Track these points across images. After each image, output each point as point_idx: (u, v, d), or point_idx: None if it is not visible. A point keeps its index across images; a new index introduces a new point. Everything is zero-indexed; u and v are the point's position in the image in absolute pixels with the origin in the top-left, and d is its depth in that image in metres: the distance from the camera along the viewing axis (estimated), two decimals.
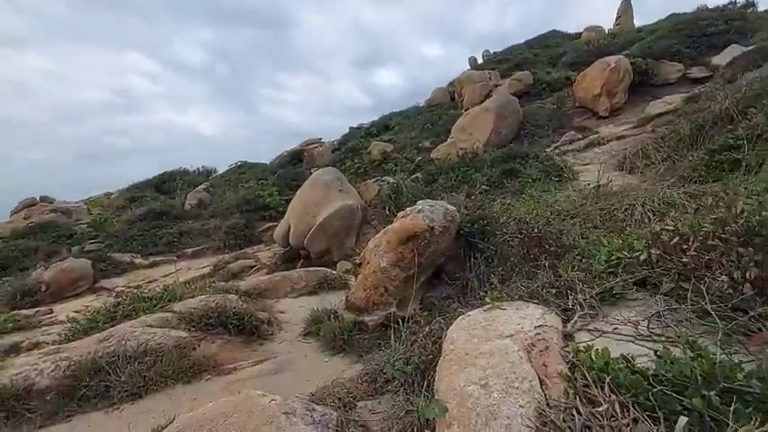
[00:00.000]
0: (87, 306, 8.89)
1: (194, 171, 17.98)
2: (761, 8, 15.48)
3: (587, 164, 8.43)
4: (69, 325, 4.83)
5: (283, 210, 12.90)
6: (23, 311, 8.71)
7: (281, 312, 5.01)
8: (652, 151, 7.86)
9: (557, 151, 9.59)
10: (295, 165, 15.67)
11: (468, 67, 21.09)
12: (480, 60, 20.86)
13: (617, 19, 17.51)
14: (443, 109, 16.27)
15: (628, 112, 10.92)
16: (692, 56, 12.75)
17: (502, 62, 18.14)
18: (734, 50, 11.52)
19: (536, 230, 4.17)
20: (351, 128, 20.24)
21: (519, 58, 17.79)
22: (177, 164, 17.95)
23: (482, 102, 14.74)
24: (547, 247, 3.86)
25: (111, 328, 3.83)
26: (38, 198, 22.13)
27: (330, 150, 16.61)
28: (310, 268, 5.96)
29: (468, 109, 14.65)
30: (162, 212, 13.26)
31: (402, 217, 4.27)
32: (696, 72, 11.99)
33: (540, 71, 15.24)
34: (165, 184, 16.79)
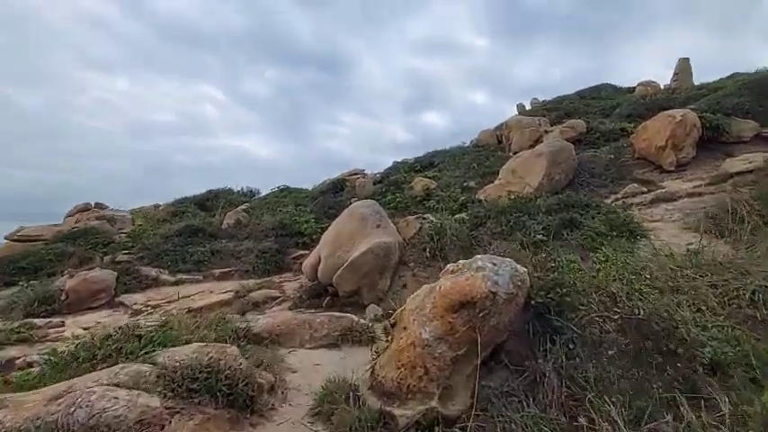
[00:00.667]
0: (99, 323, 8.22)
1: (238, 191, 17.74)
2: None
3: (656, 220, 7.05)
4: (47, 357, 4.00)
5: (318, 238, 12.11)
6: (36, 320, 8.14)
7: (292, 371, 3.95)
8: (743, 213, 6.42)
9: (618, 203, 8.24)
10: (336, 193, 15.00)
11: (516, 113, 20.19)
12: (528, 107, 19.91)
13: (675, 75, 16.16)
14: (490, 150, 15.26)
15: (696, 168, 9.45)
16: (765, 114, 11.21)
17: (551, 110, 17.08)
18: None
19: (639, 311, 2.94)
20: (395, 162, 19.52)
21: (569, 107, 16.68)
22: (233, 181, 17.69)
23: (531, 146, 13.64)
24: (664, 341, 2.62)
25: (71, 382, 2.91)
26: (92, 204, 22.71)
27: (372, 182, 15.86)
28: (335, 313, 4.91)
29: (516, 153, 13.58)
30: (198, 229, 12.78)
31: (453, 272, 3.16)
32: None
33: (593, 121, 14.02)
34: (209, 201, 16.56)
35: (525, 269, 2.99)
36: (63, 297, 8.89)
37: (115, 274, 9.80)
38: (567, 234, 6.03)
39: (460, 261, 3.12)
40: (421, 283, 6.47)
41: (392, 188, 13.96)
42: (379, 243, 5.94)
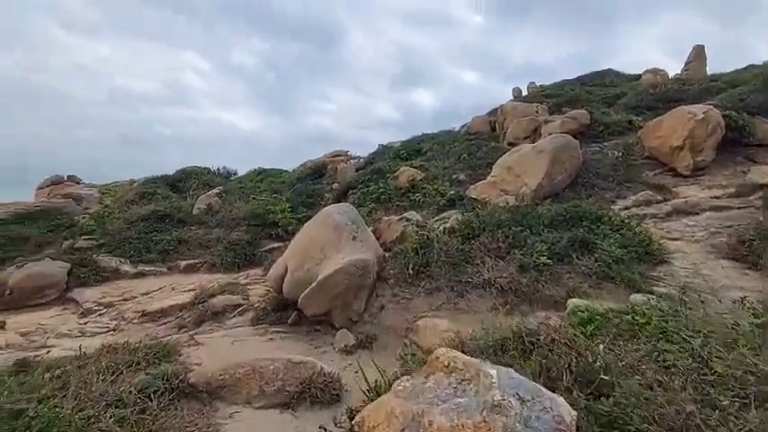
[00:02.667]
0: (41, 325, 7.16)
1: (214, 171, 16.37)
2: None
3: (676, 239, 6.15)
4: None
5: (293, 230, 11.06)
6: None
7: None
8: None
9: (629, 212, 7.32)
10: (315, 180, 13.81)
11: (512, 98, 18.92)
12: (525, 92, 18.65)
13: (687, 64, 15.07)
14: (482, 139, 14.13)
15: (715, 173, 8.54)
16: None
17: (550, 96, 15.91)
18: None
19: None
20: (380, 145, 18.31)
21: (570, 94, 15.52)
22: (217, 156, 16.32)
23: (528, 138, 12.57)
24: None
25: None
26: (65, 177, 21.03)
27: (354, 168, 14.69)
28: (294, 358, 3.92)
29: (511, 144, 12.50)
30: (166, 215, 11.58)
31: (461, 383, 2.09)
32: None
33: (596, 111, 12.93)
34: (181, 182, 15.21)
35: (573, 414, 1.90)
36: (7, 292, 7.75)
37: (67, 266, 8.66)
38: (577, 257, 5.08)
39: (451, 355, 2.08)
40: (402, 307, 5.53)
41: (375, 177, 12.83)
42: (355, 261, 4.91)
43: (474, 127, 15.56)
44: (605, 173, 9.09)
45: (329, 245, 5.35)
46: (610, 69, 18.62)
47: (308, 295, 5.00)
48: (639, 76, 17.18)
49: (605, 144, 11.26)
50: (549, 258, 5.10)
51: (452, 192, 10.61)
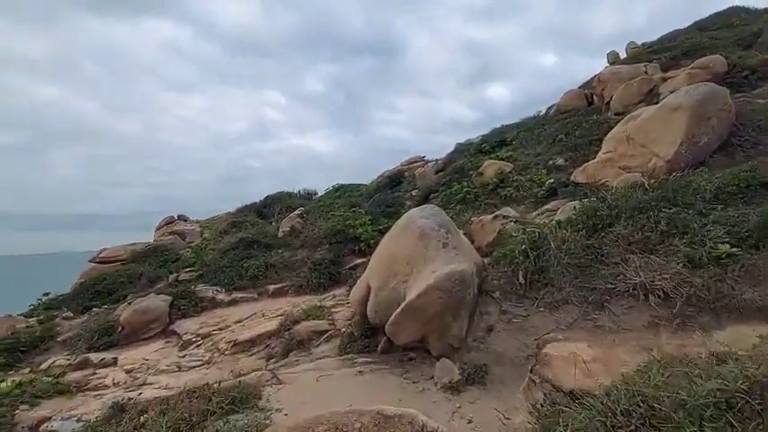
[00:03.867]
0: (146, 360, 7.38)
1: (296, 194, 16.73)
2: None
3: None
4: None
5: (376, 243, 10.39)
6: (92, 355, 7.54)
7: None
8: None
9: None
10: (393, 188, 13.10)
11: (607, 64, 16.28)
12: (624, 55, 15.89)
13: None
14: (579, 115, 12.08)
15: None
16: None
17: (659, 52, 13.14)
18: None
19: None
20: (457, 144, 17.07)
21: (688, 44, 12.59)
22: (299, 180, 16.84)
23: (641, 102, 10.31)
24: None
25: None
26: (176, 216, 23.64)
27: (433, 171, 13.68)
28: (386, 410, 3.01)
29: (620, 114, 10.36)
30: (254, 241, 11.82)
31: None
32: None
33: (732, 55, 10.14)
34: (267, 208, 15.74)
35: None
36: (119, 329, 8.26)
37: (169, 299, 9.04)
38: None
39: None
40: (516, 327, 4.32)
41: (457, 176, 11.65)
42: (450, 274, 3.89)
43: (566, 104, 13.52)
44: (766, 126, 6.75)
45: (416, 256, 4.41)
46: (735, 6, 14.94)
47: (395, 321, 4.09)
48: None
49: (755, 92, 8.63)
50: (733, 246, 3.48)
51: (551, 180, 9.01)
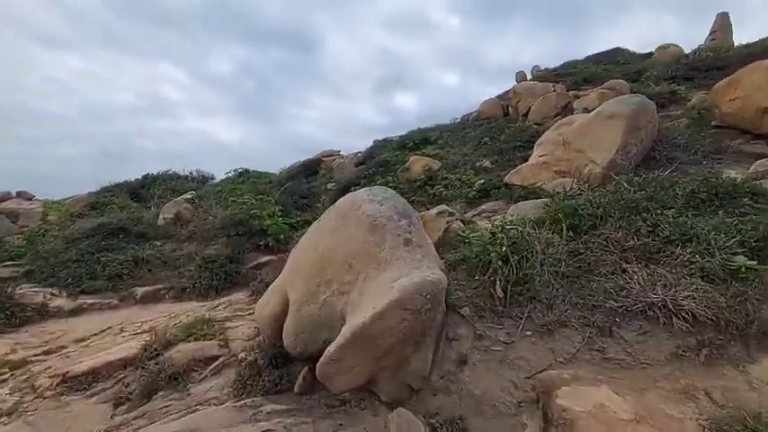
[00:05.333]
0: None
1: (185, 176, 13.64)
2: None
3: None
4: None
5: (286, 240, 8.60)
6: None
7: None
8: None
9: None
10: (308, 177, 11.36)
11: (515, 83, 17.02)
12: (530, 76, 16.76)
13: (711, 34, 13.47)
14: (498, 123, 12.02)
15: None
16: None
17: (564, 75, 14.02)
18: None
19: None
20: (375, 141, 16.05)
21: (587, 72, 13.65)
22: (198, 167, 13.52)
23: (558, 115, 10.51)
24: None
25: None
26: (14, 193, 18.06)
27: (353, 163, 12.33)
28: None
29: (539, 123, 10.42)
30: (119, 228, 8.90)
31: None
32: None
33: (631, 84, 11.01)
34: (146, 189, 12.46)
35: None
36: None
37: None
38: None
39: None
40: (498, 358, 3.19)
41: (381, 170, 10.53)
42: (421, 285, 2.55)
43: (485, 112, 13.48)
44: (681, 142, 7.04)
45: (364, 257, 2.98)
46: (618, 48, 16.93)
47: (333, 358, 2.60)
48: (651, 53, 15.52)
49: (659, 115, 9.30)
50: (753, 258, 2.85)
51: (481, 180, 8.42)
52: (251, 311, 5.75)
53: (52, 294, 7.19)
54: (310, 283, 3.26)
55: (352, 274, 3.02)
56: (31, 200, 17.84)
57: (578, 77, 13.20)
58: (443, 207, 5.84)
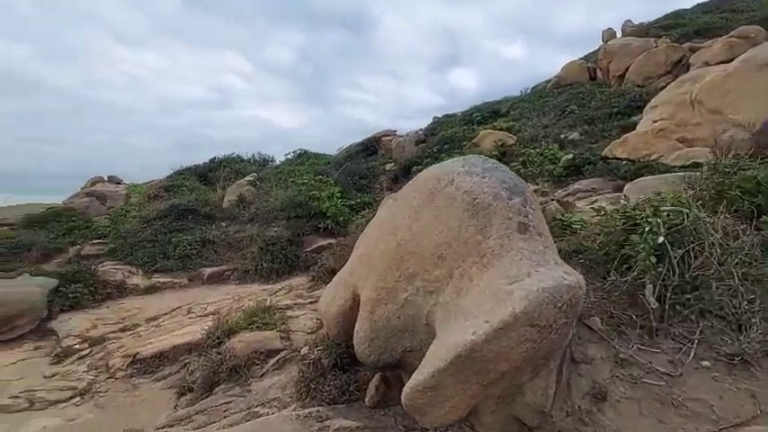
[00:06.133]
0: None
1: (248, 159, 13.79)
2: None
3: None
4: None
5: (346, 222, 8.11)
6: None
7: None
8: None
9: None
10: (368, 157, 10.74)
11: (602, 42, 14.77)
12: (620, 34, 14.40)
13: None
14: (584, 88, 10.33)
15: None
16: None
17: (667, 29, 11.70)
18: None
19: None
20: (435, 118, 14.97)
21: (699, 23, 11.22)
22: (257, 151, 13.77)
23: (667, 74, 8.67)
24: None
25: None
26: (105, 177, 19.77)
27: (413, 141, 11.46)
28: None
29: (641, 86, 8.70)
30: (188, 210, 9.03)
31: None
32: None
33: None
34: (213, 172, 12.74)
35: None
36: None
37: (52, 283, 6.20)
38: None
39: None
40: (653, 395, 2.27)
41: (446, 147, 9.53)
42: (556, 290, 1.71)
43: (566, 77, 11.75)
44: None
45: (460, 247, 2.22)
46: None
47: (428, 385, 1.89)
48: None
49: None
50: None
51: (570, 155, 7.14)
52: (312, 299, 5.32)
53: (130, 272, 7.43)
54: (387, 279, 2.58)
55: (443, 269, 2.28)
56: (119, 183, 19.52)
57: (688, 29, 10.88)
58: (536, 186, 4.84)
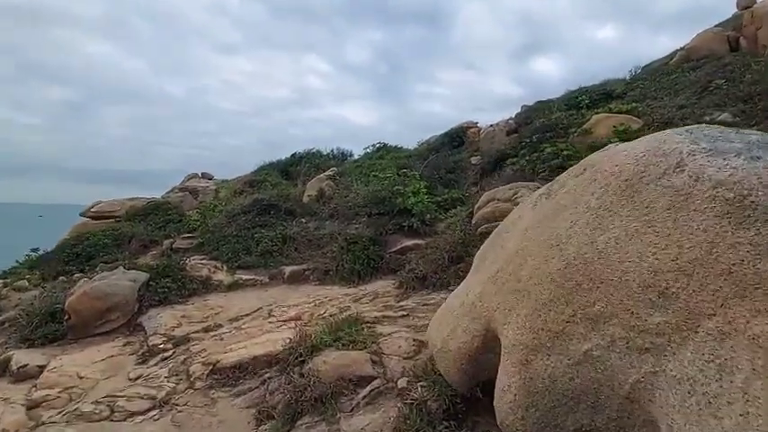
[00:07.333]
0: (80, 377, 4.71)
1: (327, 154, 13.65)
2: None
3: None
4: None
5: (432, 220, 7.27)
6: (19, 355, 4.97)
7: None
8: None
9: None
10: (454, 149, 9.77)
11: (736, 10, 12.00)
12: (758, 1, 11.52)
13: None
14: (726, 60, 8.21)
15: None
16: None
17: None
18: None
19: None
20: (524, 106, 13.39)
21: None
22: (336, 146, 13.83)
23: None
24: None
25: None
26: (200, 174, 21.33)
27: (504, 132, 10.22)
28: None
29: None
30: (271, 205, 8.92)
31: None
32: None
33: None
34: (294, 167, 12.79)
35: None
36: (65, 317, 5.63)
37: (144, 277, 6.30)
38: None
39: None
40: None
41: (548, 135, 8.16)
42: None
43: (698, 49, 9.55)
44: None
45: (708, 278, 1.19)
46: None
47: None
48: None
49: None
50: None
51: None
52: (403, 313, 4.57)
53: (216, 268, 7.42)
54: (550, 316, 1.67)
55: (671, 313, 1.31)
56: (210, 179, 20.95)
57: None
58: None
